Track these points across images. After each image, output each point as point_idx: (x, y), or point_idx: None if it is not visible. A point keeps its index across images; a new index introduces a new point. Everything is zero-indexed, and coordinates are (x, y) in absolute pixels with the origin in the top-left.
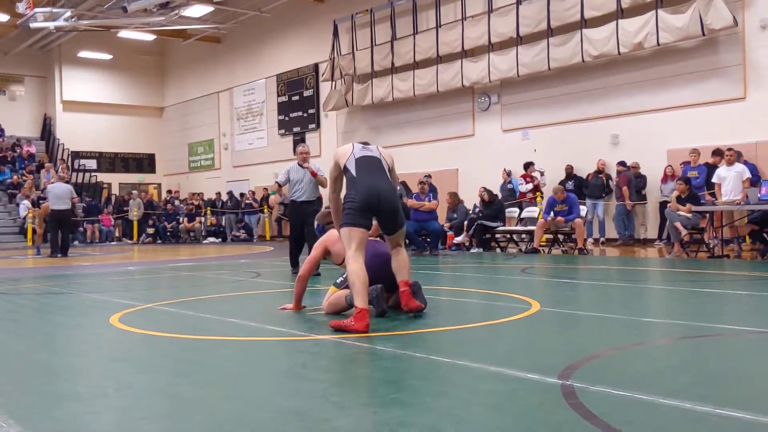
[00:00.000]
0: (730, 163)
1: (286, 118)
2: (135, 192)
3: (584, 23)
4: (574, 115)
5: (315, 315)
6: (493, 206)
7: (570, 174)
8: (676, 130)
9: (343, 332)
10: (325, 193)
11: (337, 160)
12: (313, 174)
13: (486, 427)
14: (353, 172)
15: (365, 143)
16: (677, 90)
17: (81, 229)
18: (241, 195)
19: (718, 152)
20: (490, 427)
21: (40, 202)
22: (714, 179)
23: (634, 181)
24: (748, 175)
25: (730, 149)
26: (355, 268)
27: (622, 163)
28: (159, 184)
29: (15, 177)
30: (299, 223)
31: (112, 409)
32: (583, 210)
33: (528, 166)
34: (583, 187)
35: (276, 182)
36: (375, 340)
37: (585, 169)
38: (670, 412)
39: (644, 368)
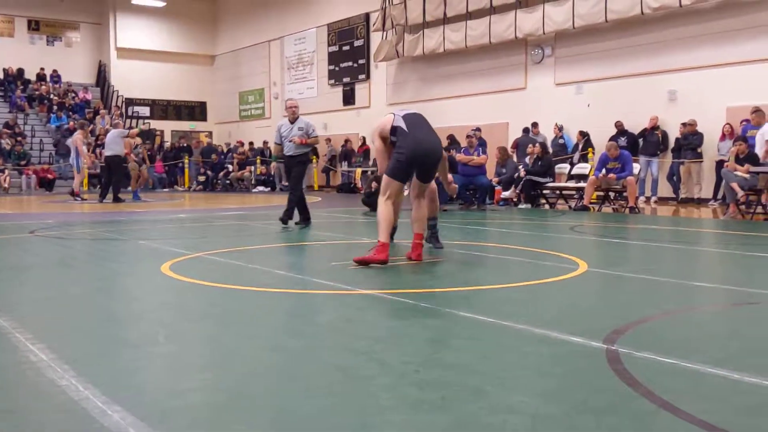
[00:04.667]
0: (757, 124)
1: (336, 68)
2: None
3: None
4: (630, 69)
5: (361, 269)
6: (543, 162)
7: (620, 130)
8: (737, 86)
9: (366, 263)
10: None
11: (381, 131)
12: (302, 142)
13: (529, 391)
14: (404, 127)
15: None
16: (739, 45)
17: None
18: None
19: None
20: (533, 391)
21: (96, 149)
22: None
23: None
24: None
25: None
26: (384, 209)
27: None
28: (210, 132)
29: (71, 123)
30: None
31: (162, 356)
32: (636, 168)
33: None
34: (636, 143)
35: (275, 143)
36: (420, 297)
37: (640, 125)
38: (717, 382)
39: (692, 335)
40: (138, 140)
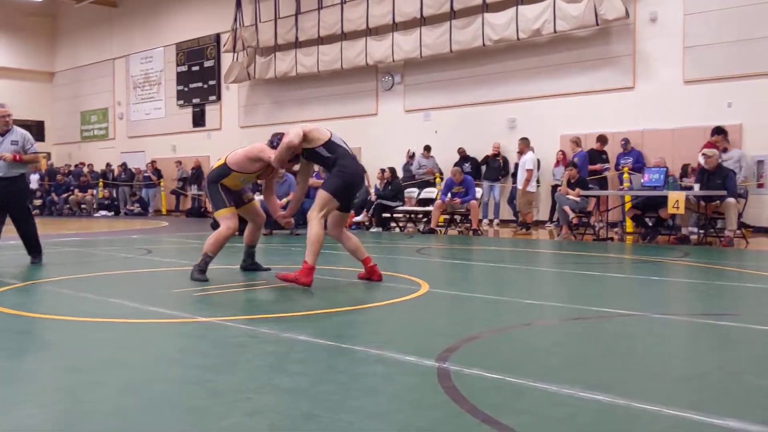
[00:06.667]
0: (521, 152)
1: (186, 89)
2: None
3: (486, 7)
4: (474, 98)
5: (204, 296)
6: (393, 186)
7: (463, 156)
8: (569, 116)
9: (290, 283)
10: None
11: (312, 132)
12: (16, 159)
13: (359, 412)
14: (347, 149)
15: None
16: (571, 77)
17: None
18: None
19: (601, 138)
20: (363, 412)
21: None
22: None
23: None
24: (528, 166)
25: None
26: (318, 229)
27: None
28: (48, 153)
29: None
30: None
31: None
32: (479, 192)
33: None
34: (479, 169)
35: None
36: (260, 322)
37: (484, 151)
38: (536, 395)
39: (519, 350)
40: None
